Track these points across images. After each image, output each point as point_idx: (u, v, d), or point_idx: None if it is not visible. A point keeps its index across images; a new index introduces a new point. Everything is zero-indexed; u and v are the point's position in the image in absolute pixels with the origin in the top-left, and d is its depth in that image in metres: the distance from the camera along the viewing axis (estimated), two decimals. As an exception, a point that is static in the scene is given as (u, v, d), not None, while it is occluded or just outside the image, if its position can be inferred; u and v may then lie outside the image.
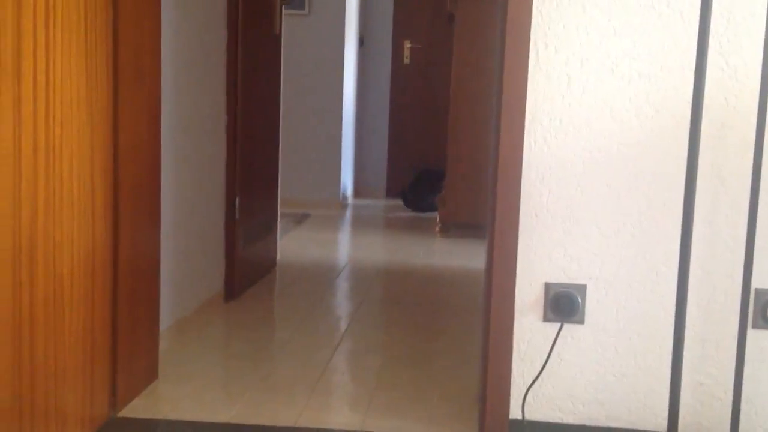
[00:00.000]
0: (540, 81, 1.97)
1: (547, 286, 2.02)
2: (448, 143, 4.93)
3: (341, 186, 6.18)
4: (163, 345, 2.48)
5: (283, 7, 3.75)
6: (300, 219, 5.45)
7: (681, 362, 1.88)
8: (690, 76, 1.93)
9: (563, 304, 2.01)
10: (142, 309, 2.23)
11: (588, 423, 2.04)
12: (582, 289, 2.01)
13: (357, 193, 6.79)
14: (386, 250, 4.68)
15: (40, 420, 1.74)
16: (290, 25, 5.49)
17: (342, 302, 3.50)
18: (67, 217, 1.81)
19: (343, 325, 3.10)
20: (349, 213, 6.04)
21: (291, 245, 4.55)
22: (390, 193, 6.76)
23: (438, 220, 5.14)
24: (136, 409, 2.16)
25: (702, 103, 1.83)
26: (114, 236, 2.05)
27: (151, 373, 2.33)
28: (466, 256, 4.45)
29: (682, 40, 1.93)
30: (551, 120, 1.98)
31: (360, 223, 5.66)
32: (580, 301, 2.01)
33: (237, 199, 3.29)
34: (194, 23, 2.86)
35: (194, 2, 2.85)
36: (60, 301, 1.80)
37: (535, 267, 2.02)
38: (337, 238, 5.08)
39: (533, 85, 1.97)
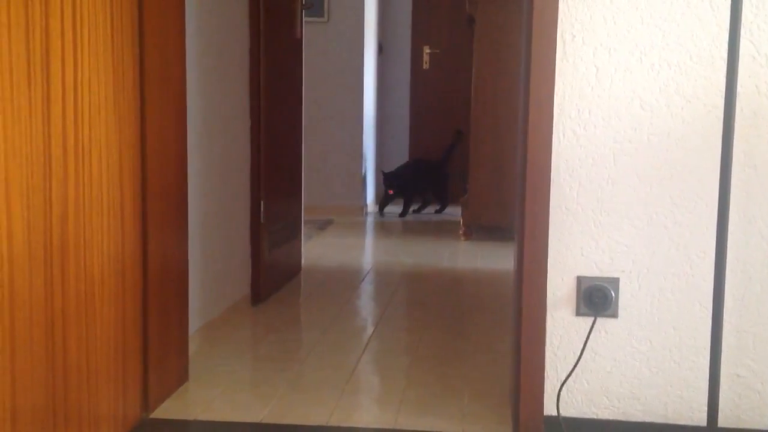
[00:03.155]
0: (568, 73, 1.95)
1: (580, 280, 2.00)
2: (470, 146, 4.92)
3: (365, 192, 6.18)
4: (192, 347, 2.48)
5: (303, 12, 3.76)
6: (323, 225, 5.45)
7: (720, 355, 1.85)
8: (720, 65, 1.90)
9: (596, 298, 1.98)
10: (172, 310, 2.22)
11: (624, 418, 2.01)
12: (615, 282, 1.98)
13: (379, 198, 6.78)
14: (410, 254, 4.67)
15: (73, 421, 1.74)
16: (309, 32, 5.51)
17: (368, 305, 3.48)
18: (97, 217, 1.82)
19: (370, 327, 3.08)
20: (371, 219, 6.04)
21: (315, 250, 4.55)
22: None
23: (461, 223, 5.12)
24: (168, 410, 2.16)
25: (735, 92, 1.81)
26: (143, 237, 2.05)
27: (181, 375, 2.33)
28: (491, 259, 4.42)
29: (712, 29, 1.90)
30: (580, 112, 1.96)
31: (383, 229, 5.64)
32: (613, 294, 1.98)
33: (262, 203, 3.29)
34: (217, 27, 2.88)
35: (217, 6, 2.86)
36: (91, 301, 1.80)
37: (567, 261, 2.00)
38: (361, 243, 5.07)
39: (561, 78, 1.96)
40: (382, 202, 6.18)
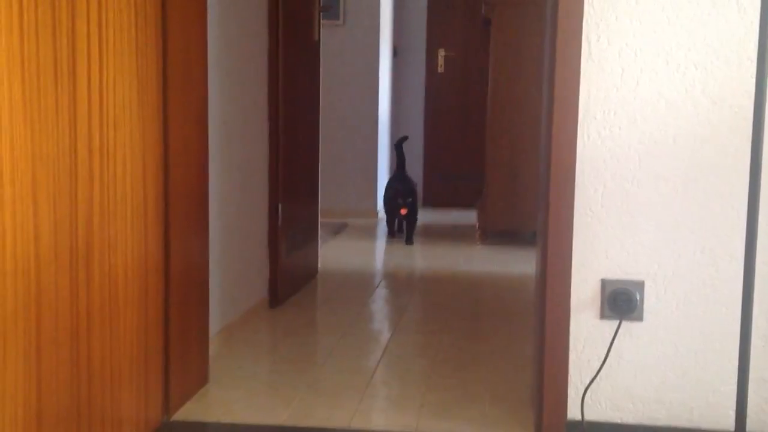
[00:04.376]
0: (593, 74, 1.94)
1: (604, 283, 1.98)
2: (486, 150, 4.90)
3: (377, 196, 6.17)
4: (211, 350, 2.48)
5: (321, 14, 3.75)
6: (338, 229, 5.45)
7: (748, 359, 1.83)
8: (747, 66, 1.88)
9: (621, 301, 1.97)
10: (193, 313, 2.22)
11: (649, 423, 1.99)
12: (640, 285, 1.96)
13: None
14: (426, 257, 4.65)
15: (96, 423, 1.74)
16: (325, 35, 5.50)
17: (385, 308, 3.47)
18: (121, 219, 1.82)
19: (388, 330, 3.07)
20: (383, 228, 6.02)
21: (331, 254, 4.54)
22: (426, 201, 6.73)
23: (477, 227, 5.10)
24: (189, 412, 2.15)
25: (766, 93, 1.78)
26: (165, 240, 2.05)
27: (202, 377, 2.32)
28: (508, 263, 4.40)
29: (738, 30, 1.89)
30: (605, 113, 1.95)
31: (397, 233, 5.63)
32: (638, 297, 1.96)
33: (280, 206, 3.28)
34: (237, 30, 2.87)
35: (236, 9, 2.86)
36: (115, 303, 1.80)
37: (591, 263, 1.98)
38: (376, 247, 5.06)
39: (586, 78, 1.94)
40: (391, 223, 5.25)
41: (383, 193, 5.37)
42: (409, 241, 5.02)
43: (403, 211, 4.97)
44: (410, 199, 4.96)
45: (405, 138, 5.38)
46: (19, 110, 1.43)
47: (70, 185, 1.60)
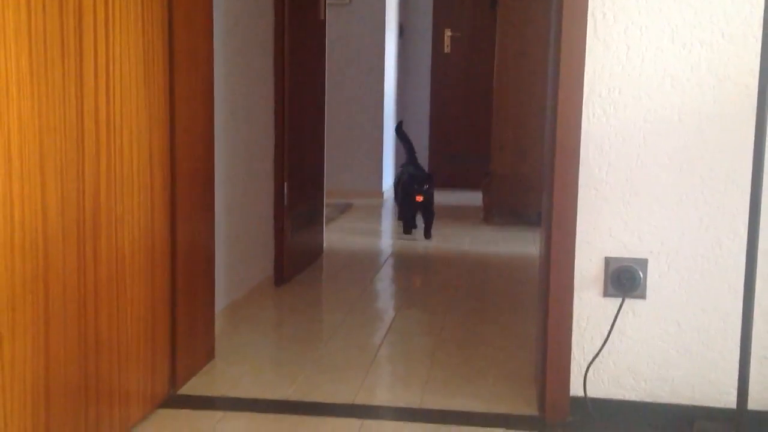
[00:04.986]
0: (598, 51, 1.94)
1: (608, 261, 1.99)
2: (492, 130, 4.90)
3: (382, 176, 6.17)
4: (217, 327, 2.50)
5: (327, -7, 3.75)
6: (343, 209, 5.46)
7: (750, 337, 1.83)
8: (753, 44, 1.88)
9: (624, 279, 1.97)
10: (199, 288, 2.24)
11: (651, 400, 2.00)
12: (643, 263, 1.97)
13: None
14: (432, 237, 4.66)
15: (104, 397, 1.76)
16: (331, 15, 5.49)
17: (390, 287, 3.49)
18: (128, 193, 1.83)
19: (393, 309, 3.09)
20: (390, 203, 6.03)
21: (336, 234, 4.55)
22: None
23: (482, 207, 5.10)
24: (195, 387, 2.18)
25: (768, 70, 1.78)
26: (172, 215, 2.06)
27: (208, 353, 2.34)
28: (513, 243, 4.41)
29: (744, 7, 1.88)
30: (610, 91, 1.95)
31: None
32: (641, 275, 1.97)
33: (285, 186, 3.29)
34: (242, 8, 2.87)
35: (242, -13, 2.86)
36: (122, 278, 1.82)
37: (595, 241, 1.99)
38: (381, 227, 5.08)
39: (591, 56, 1.94)
40: (406, 214, 4.56)
41: (394, 183, 4.83)
42: (427, 234, 4.49)
43: (419, 198, 4.40)
44: (426, 186, 4.42)
45: (400, 123, 5.17)
46: (27, 84, 1.44)
47: (78, 160, 1.61)
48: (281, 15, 3.19)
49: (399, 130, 5.09)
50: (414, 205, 4.45)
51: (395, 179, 4.76)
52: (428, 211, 4.48)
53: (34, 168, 1.47)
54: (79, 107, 1.61)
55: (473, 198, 6.08)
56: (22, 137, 1.43)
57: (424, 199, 4.40)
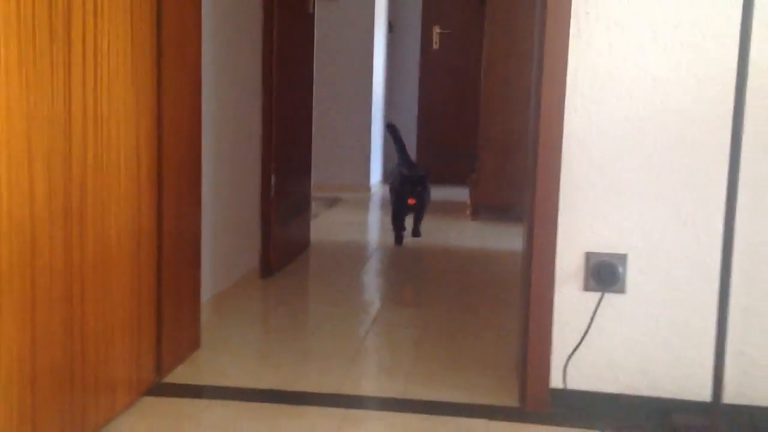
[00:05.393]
0: (581, 50, 1.97)
1: (588, 256, 2.02)
2: (480, 127, 4.93)
3: (370, 171, 6.20)
4: (203, 317, 2.52)
5: (316, -13, 3.76)
6: (331, 203, 5.48)
7: (725, 332, 1.88)
8: (732, 46, 1.91)
9: (604, 274, 2.01)
10: (185, 277, 2.26)
11: (629, 392, 2.04)
12: (623, 258, 2.01)
13: (386, 178, 6.80)
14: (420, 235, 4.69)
15: (90, 383, 1.78)
16: (320, 10, 5.50)
17: (376, 280, 3.52)
18: (114, 182, 1.85)
19: (378, 301, 3.11)
20: (378, 197, 6.06)
21: (323, 227, 4.57)
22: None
23: (469, 203, 5.14)
24: (181, 375, 2.20)
25: (747, 72, 1.82)
26: (158, 204, 2.08)
27: (193, 342, 2.37)
28: (498, 238, 4.44)
29: (725, 9, 1.91)
30: (592, 89, 1.98)
31: (389, 204, 5.67)
32: (621, 270, 2.01)
33: (273, 177, 3.31)
34: (231, 1, 2.89)
35: (232, -20, 2.88)
36: (108, 265, 1.83)
37: (576, 237, 2.02)
38: (368, 221, 5.11)
39: (574, 54, 1.97)
40: (398, 217, 4.28)
41: (389, 183, 4.60)
42: (416, 232, 4.35)
43: (411, 201, 4.19)
44: (419, 188, 4.21)
45: (392, 124, 4.89)
46: (15, 71, 1.45)
47: (65, 146, 1.63)
48: (270, 8, 3.21)
49: (391, 129, 4.89)
50: (406, 208, 4.25)
51: (390, 182, 4.50)
52: (418, 209, 4.32)
53: (22, 153, 1.49)
54: (67, 96, 1.63)
55: (461, 194, 6.11)
56: (10, 125, 1.45)
57: (416, 201, 4.21)
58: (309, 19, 3.75)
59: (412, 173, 4.29)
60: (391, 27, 6.79)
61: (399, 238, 4.22)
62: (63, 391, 1.67)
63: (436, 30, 6.67)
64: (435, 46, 6.72)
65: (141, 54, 1.94)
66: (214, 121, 2.72)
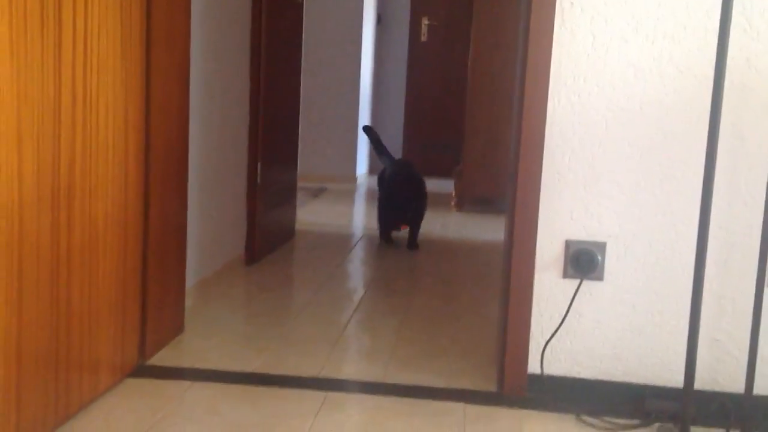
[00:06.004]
0: (565, 40, 2.00)
1: (568, 244, 2.06)
2: (466, 118, 4.96)
3: (357, 162, 6.22)
4: (187, 302, 2.54)
5: (305, -24, 3.78)
6: (317, 192, 5.50)
7: (698, 319, 1.91)
8: (712, 37, 1.95)
9: (583, 261, 2.05)
10: (170, 262, 2.28)
11: (605, 378, 2.08)
12: (602, 246, 2.04)
13: (372, 170, 6.83)
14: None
15: (75, 365, 1.80)
16: (308, 1, 5.52)
17: (360, 269, 3.54)
18: (102, 166, 1.86)
19: (361, 289, 3.14)
20: (364, 188, 6.09)
21: (309, 216, 4.60)
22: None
23: (453, 194, 5.17)
24: (164, 358, 2.22)
25: (725, 64, 1.85)
26: (145, 189, 2.10)
27: (177, 326, 2.39)
28: (482, 230, 4.48)
29: (706, 1, 1.95)
30: (575, 79, 2.01)
31: (376, 198, 5.69)
32: (599, 258, 2.04)
33: (259, 165, 3.33)
34: (220, -12, 2.90)
35: (220, -33, 2.89)
36: (95, 248, 1.85)
37: (556, 225, 2.06)
38: (354, 211, 5.13)
39: (558, 45, 2.00)
40: (387, 229, 3.98)
41: (378, 186, 4.18)
42: (412, 245, 3.90)
43: (402, 228, 3.84)
44: (415, 204, 3.81)
45: (369, 126, 4.52)
46: (5, 51, 1.47)
47: (54, 129, 1.65)
48: (258, -4, 3.22)
49: (367, 130, 4.47)
50: (392, 225, 3.86)
51: (383, 180, 4.10)
52: (415, 220, 3.91)
53: (12, 134, 1.50)
54: (57, 78, 1.64)
55: (447, 185, 6.15)
56: (1, 107, 1.46)
57: (411, 220, 3.79)
58: (297, 9, 3.76)
59: (408, 184, 3.84)
60: (380, 18, 6.80)
61: (386, 239, 3.98)
62: (48, 370, 1.69)
63: (425, 22, 6.69)
64: (423, 38, 6.75)
65: (130, 39, 1.96)
66: (202, 107, 2.74)
